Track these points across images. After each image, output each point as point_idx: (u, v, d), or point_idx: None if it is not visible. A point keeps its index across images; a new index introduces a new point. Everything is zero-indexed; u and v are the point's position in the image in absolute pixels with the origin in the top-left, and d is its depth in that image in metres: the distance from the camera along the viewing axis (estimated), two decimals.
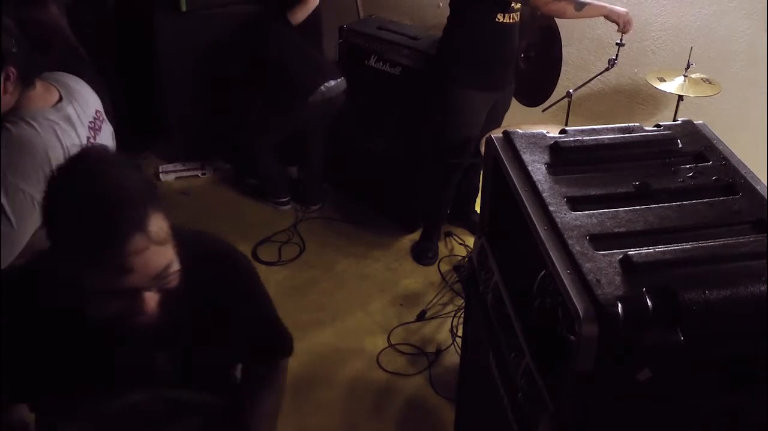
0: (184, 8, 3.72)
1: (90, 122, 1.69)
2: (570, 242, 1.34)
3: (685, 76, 3.18)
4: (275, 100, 3.50)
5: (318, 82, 3.42)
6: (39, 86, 1.59)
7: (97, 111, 1.75)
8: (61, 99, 1.63)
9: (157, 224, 1.12)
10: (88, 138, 1.65)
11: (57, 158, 1.52)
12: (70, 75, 1.74)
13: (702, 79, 3.20)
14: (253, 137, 3.70)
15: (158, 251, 1.12)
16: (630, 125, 1.71)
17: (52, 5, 1.97)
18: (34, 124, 1.51)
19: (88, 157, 1.15)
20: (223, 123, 3.99)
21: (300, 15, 3.54)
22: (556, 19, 3.16)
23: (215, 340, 1.36)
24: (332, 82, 3.45)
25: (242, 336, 1.43)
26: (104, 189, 1.08)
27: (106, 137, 1.78)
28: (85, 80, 2.08)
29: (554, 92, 3.38)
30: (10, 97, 1.50)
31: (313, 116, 3.54)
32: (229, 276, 1.40)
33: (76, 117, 1.62)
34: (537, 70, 3.32)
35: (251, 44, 3.53)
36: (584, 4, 2.86)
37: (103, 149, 1.17)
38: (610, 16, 2.95)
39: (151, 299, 1.15)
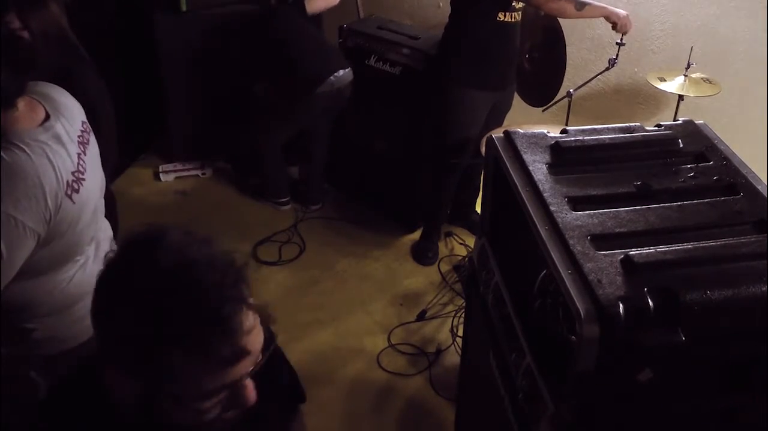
0: (184, 8, 3.72)
1: (78, 136, 1.63)
2: (571, 242, 1.34)
3: (685, 75, 3.17)
4: (283, 90, 3.47)
5: (327, 72, 3.39)
6: (23, 105, 1.52)
7: (83, 123, 1.69)
8: (48, 117, 1.56)
9: (249, 293, 0.98)
10: (79, 155, 1.60)
11: (50, 182, 1.47)
12: (52, 86, 1.67)
13: (702, 78, 3.20)
14: (260, 135, 3.67)
15: (258, 324, 0.98)
16: (631, 124, 1.71)
17: (53, 4, 1.97)
18: (25, 148, 1.45)
19: (152, 240, 0.94)
20: (224, 123, 3.99)
21: (318, 5, 3.51)
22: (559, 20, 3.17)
23: (266, 413, 1.19)
24: (341, 72, 3.44)
25: (277, 399, 1.25)
26: (197, 270, 0.91)
27: (94, 148, 1.72)
28: (86, 80, 2.07)
29: None
30: None
31: (322, 107, 3.52)
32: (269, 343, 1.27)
33: (65, 134, 1.57)
34: (541, 71, 3.32)
35: (259, 28, 3.48)
36: (584, 4, 2.86)
37: (162, 229, 0.97)
38: (610, 17, 2.95)
39: (250, 385, 0.97)
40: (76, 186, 1.55)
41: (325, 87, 3.38)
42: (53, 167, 1.48)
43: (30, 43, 1.85)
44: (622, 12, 2.95)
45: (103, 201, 1.77)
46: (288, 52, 3.40)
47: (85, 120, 1.71)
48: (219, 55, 3.82)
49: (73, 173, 1.55)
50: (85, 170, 1.61)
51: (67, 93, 1.69)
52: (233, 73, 3.83)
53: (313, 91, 3.37)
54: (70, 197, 1.52)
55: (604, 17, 2.97)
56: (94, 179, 1.68)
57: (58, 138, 1.54)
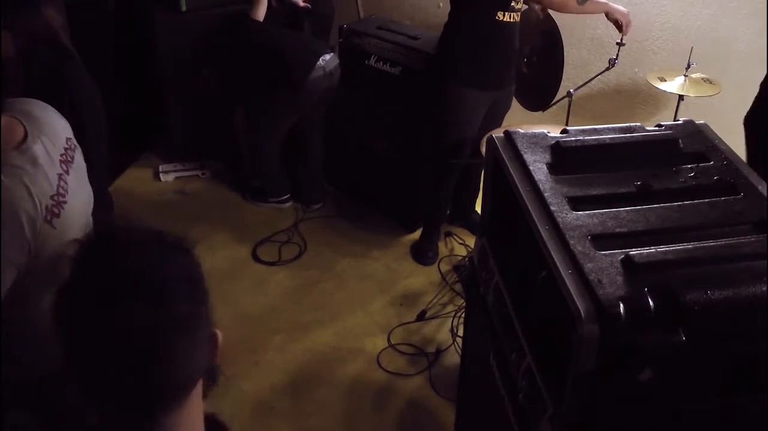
0: (183, 8, 3.72)
1: (61, 156, 1.56)
2: (571, 242, 1.34)
3: (685, 76, 3.18)
4: (277, 85, 3.49)
5: (315, 57, 3.44)
6: (2, 123, 1.45)
7: (68, 139, 1.62)
8: (26, 137, 1.49)
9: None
10: (60, 176, 1.53)
11: (27, 210, 1.41)
12: (35, 102, 1.60)
13: (702, 79, 3.20)
14: (260, 132, 3.67)
15: None
16: (631, 124, 1.71)
17: (47, 8, 1.96)
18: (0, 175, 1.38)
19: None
20: (223, 123, 3.99)
21: (260, 12, 3.53)
22: (558, 24, 3.16)
23: None
24: (327, 56, 3.48)
25: None
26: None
27: (80, 165, 1.67)
28: (75, 82, 2.06)
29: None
30: None
31: (318, 94, 3.53)
32: None
33: (44, 155, 1.50)
34: (539, 74, 3.33)
35: (242, 41, 3.52)
36: None
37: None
38: (612, 15, 2.97)
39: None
40: (56, 210, 1.48)
41: (317, 72, 3.42)
42: (30, 193, 1.42)
43: (43, 28, 1.82)
44: (622, 9, 2.97)
45: (91, 218, 1.72)
46: (276, 50, 3.44)
47: (71, 136, 1.65)
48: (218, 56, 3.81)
49: (52, 197, 1.48)
50: (66, 191, 1.54)
51: (52, 109, 1.63)
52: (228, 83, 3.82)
53: (307, 78, 3.41)
54: (50, 222, 1.46)
55: (605, 14, 2.98)
56: (80, 198, 1.63)
57: (34, 161, 1.47)
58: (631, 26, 2.99)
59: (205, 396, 0.98)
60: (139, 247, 0.90)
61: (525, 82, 3.33)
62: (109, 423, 0.90)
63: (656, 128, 1.70)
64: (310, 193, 3.87)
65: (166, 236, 0.93)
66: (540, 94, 3.38)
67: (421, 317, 3.12)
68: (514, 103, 3.37)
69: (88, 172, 1.73)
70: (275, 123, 3.65)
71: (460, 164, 3.26)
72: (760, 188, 1.50)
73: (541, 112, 3.49)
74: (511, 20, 2.95)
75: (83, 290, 0.87)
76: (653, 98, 3.64)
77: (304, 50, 3.47)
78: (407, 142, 3.54)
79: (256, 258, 3.47)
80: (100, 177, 2.06)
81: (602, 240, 1.35)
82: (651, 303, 1.20)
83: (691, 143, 1.65)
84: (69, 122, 1.68)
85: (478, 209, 2.56)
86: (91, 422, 0.93)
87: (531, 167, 1.56)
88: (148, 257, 0.89)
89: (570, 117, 3.36)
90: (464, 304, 2.52)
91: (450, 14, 3.09)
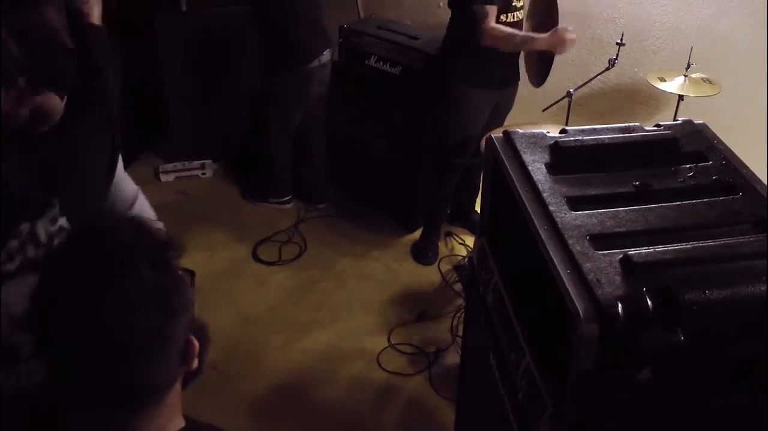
0: (184, 8, 3.73)
1: None
2: (570, 241, 1.34)
3: (685, 76, 3.18)
4: (276, 65, 3.50)
5: (318, 52, 3.46)
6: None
7: None
8: None
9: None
10: None
11: None
12: None
13: (702, 79, 3.20)
14: (270, 131, 3.67)
15: None
16: (630, 124, 1.71)
17: (45, 8, 1.96)
18: None
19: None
20: (224, 123, 3.99)
21: None
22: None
23: None
24: (326, 52, 3.52)
25: None
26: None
27: None
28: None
29: (554, 92, 3.38)
30: (24, 109, 1.45)
31: (314, 84, 3.54)
32: None
33: None
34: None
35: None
36: (517, 44, 2.86)
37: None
38: (551, 48, 2.83)
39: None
40: None
41: (314, 63, 3.46)
42: None
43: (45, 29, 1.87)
44: (544, 37, 2.82)
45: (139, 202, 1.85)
46: (288, 32, 3.41)
47: None
48: (219, 54, 3.81)
49: None
50: None
51: None
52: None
53: (305, 66, 3.43)
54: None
55: (546, 49, 2.87)
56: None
57: None
58: (566, 43, 2.80)
59: (184, 387, 1.01)
60: (107, 257, 0.92)
61: (529, 56, 3.25)
62: (73, 423, 0.94)
63: (655, 128, 1.71)
64: (315, 192, 3.87)
65: (145, 244, 0.94)
66: (540, 66, 3.24)
67: (421, 317, 3.12)
68: (515, 102, 3.36)
69: None
70: (281, 117, 3.62)
71: (463, 163, 3.26)
72: (758, 187, 1.50)
73: (541, 112, 3.48)
74: (515, 20, 2.95)
75: (51, 294, 0.91)
76: (653, 98, 3.64)
77: (312, 44, 3.46)
78: (407, 142, 3.54)
79: (256, 258, 3.48)
80: None
81: (601, 240, 1.35)
82: (650, 303, 1.20)
83: (690, 142, 1.65)
84: None
85: (478, 209, 2.56)
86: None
87: (530, 167, 1.56)
88: (110, 270, 0.90)
89: (570, 117, 3.36)
90: (464, 304, 2.53)
91: (452, 15, 3.08)
